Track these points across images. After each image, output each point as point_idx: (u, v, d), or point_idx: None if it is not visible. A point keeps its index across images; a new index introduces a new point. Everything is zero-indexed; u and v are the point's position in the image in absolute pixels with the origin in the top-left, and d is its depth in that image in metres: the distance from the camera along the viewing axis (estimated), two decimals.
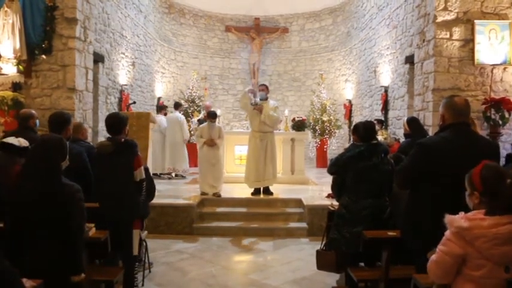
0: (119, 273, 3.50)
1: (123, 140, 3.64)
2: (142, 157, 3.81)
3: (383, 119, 9.46)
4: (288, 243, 5.77)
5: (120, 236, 3.51)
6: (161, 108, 10.04)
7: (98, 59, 8.00)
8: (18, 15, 6.10)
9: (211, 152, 7.06)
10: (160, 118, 9.61)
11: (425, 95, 6.59)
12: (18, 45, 6.11)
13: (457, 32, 6.25)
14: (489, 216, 1.97)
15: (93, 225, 3.12)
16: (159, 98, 12.58)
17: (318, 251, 4.11)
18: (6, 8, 6.09)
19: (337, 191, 4.07)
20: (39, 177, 2.44)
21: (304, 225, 6.27)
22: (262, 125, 7.03)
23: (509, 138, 6.31)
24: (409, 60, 8.00)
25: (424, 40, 6.70)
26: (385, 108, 9.69)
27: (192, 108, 12.34)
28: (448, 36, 6.26)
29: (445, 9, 6.25)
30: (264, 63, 14.88)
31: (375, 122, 6.68)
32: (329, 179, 4.45)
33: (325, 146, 12.34)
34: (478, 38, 6.19)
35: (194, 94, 12.89)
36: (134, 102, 9.59)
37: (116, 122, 3.69)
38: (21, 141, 3.13)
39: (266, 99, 7.13)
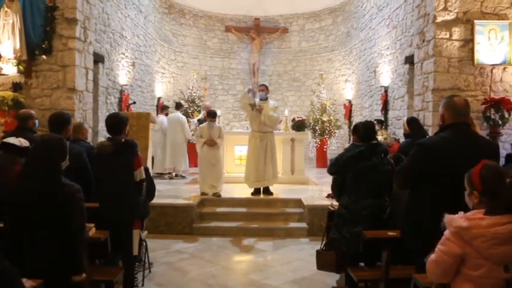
0: (119, 273, 3.50)
1: (123, 140, 3.64)
2: (142, 157, 3.81)
3: (383, 119, 9.46)
4: (288, 243, 5.77)
5: (120, 236, 3.51)
6: (163, 108, 10.09)
7: (98, 59, 8.00)
8: (18, 16, 6.10)
9: (211, 152, 7.06)
10: (162, 118, 9.65)
11: (425, 95, 6.59)
12: (18, 46, 6.12)
13: (457, 32, 6.26)
14: (488, 216, 1.97)
15: (93, 225, 3.13)
16: (159, 98, 12.59)
17: (318, 251, 4.11)
18: (6, 8, 6.10)
19: (337, 191, 4.07)
20: (39, 177, 2.44)
21: (304, 225, 6.27)
22: (262, 125, 7.04)
23: (509, 138, 6.31)
24: (409, 60, 8.00)
25: (423, 40, 6.70)
26: (385, 108, 9.69)
27: (192, 109, 12.35)
28: (447, 36, 6.27)
29: (445, 9, 6.26)
30: (264, 63, 14.89)
31: (375, 122, 6.68)
32: (329, 179, 4.45)
33: (325, 146, 12.34)
34: (478, 38, 6.19)
35: (194, 94, 12.92)
36: (134, 103, 9.60)
37: (116, 122, 3.69)
38: (22, 141, 3.14)
39: (266, 99, 7.13)
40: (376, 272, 3.45)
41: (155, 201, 4.91)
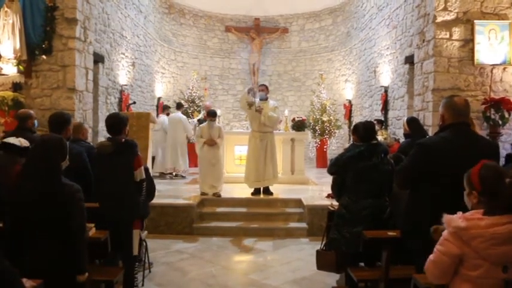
0: (119, 273, 3.50)
1: (123, 140, 3.64)
2: (142, 157, 3.81)
3: (383, 119, 9.46)
4: (288, 243, 5.77)
5: (120, 236, 3.51)
6: (164, 108, 10.13)
7: (98, 59, 8.00)
8: (18, 16, 6.11)
9: (211, 152, 7.06)
10: (163, 118, 9.67)
11: (425, 95, 6.59)
12: (18, 46, 6.12)
13: (457, 32, 6.26)
14: (487, 216, 1.96)
15: (93, 225, 3.13)
16: (159, 98, 12.59)
17: (318, 251, 4.11)
18: (6, 8, 6.10)
19: (337, 191, 4.07)
20: (39, 177, 2.44)
21: (304, 225, 6.27)
22: (262, 125, 7.04)
23: (509, 138, 6.31)
24: (409, 60, 8.00)
25: (423, 40, 6.70)
26: (385, 108, 9.69)
27: (192, 109, 12.36)
28: (447, 36, 6.27)
29: (445, 9, 6.26)
30: (264, 63, 14.89)
31: (375, 122, 6.68)
32: (329, 179, 4.45)
33: (325, 146, 12.34)
34: (478, 38, 6.20)
35: (194, 94, 12.92)
36: (134, 103, 9.61)
37: (116, 122, 3.69)
38: (22, 141, 3.14)
39: (266, 99, 7.13)
40: (376, 272, 3.45)
41: (155, 201, 4.91)
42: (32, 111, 4.67)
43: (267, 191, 7.18)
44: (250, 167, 7.13)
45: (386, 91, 9.67)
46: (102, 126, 8.09)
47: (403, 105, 8.67)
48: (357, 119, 11.81)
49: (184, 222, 6.21)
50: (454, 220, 1.99)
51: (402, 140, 6.20)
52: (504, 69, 6.29)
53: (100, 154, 3.66)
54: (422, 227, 2.59)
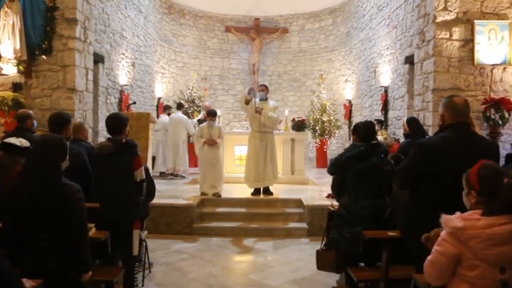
0: (119, 273, 3.50)
1: (123, 140, 3.64)
2: (142, 157, 3.80)
3: (383, 119, 9.46)
4: (288, 244, 5.77)
5: (120, 236, 3.51)
6: (166, 108, 10.16)
7: (98, 59, 8.00)
8: (18, 16, 6.11)
9: (211, 152, 7.06)
10: (165, 118, 9.69)
11: (425, 95, 6.59)
12: (18, 46, 6.13)
13: (457, 32, 6.26)
14: (485, 217, 1.95)
15: (93, 225, 3.13)
16: (159, 99, 12.60)
17: (318, 251, 4.11)
18: (6, 9, 6.10)
19: (337, 191, 4.07)
20: (39, 177, 2.44)
21: (304, 225, 6.27)
22: (262, 125, 7.04)
23: (509, 138, 6.32)
24: (409, 60, 8.00)
25: (423, 40, 6.70)
26: (385, 108, 9.69)
27: (192, 109, 12.37)
28: (447, 36, 6.27)
29: (445, 9, 6.26)
30: (264, 63, 14.89)
31: (375, 122, 6.68)
32: (329, 179, 4.45)
33: (325, 146, 12.35)
34: (478, 38, 6.20)
35: (194, 94, 12.93)
36: (134, 103, 9.62)
37: (116, 123, 3.69)
38: (23, 142, 3.14)
39: (266, 99, 7.13)
40: (376, 272, 3.45)
41: (155, 201, 4.91)
42: (31, 112, 4.67)
43: (267, 191, 7.18)
44: (250, 167, 7.13)
45: (386, 91, 9.67)
46: (102, 126, 8.09)
47: (403, 105, 8.67)
48: (357, 119, 11.81)
49: (184, 223, 6.21)
50: (452, 220, 1.98)
51: (402, 140, 6.20)
52: (504, 69, 6.29)
53: (100, 154, 3.65)
54: (422, 227, 2.59)
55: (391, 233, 3.21)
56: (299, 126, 9.65)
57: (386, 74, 9.68)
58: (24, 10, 6.18)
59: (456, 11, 6.25)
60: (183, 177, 9.50)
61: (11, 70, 6.20)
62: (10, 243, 2.45)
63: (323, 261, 4.00)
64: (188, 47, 14.27)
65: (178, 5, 13.74)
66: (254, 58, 14.68)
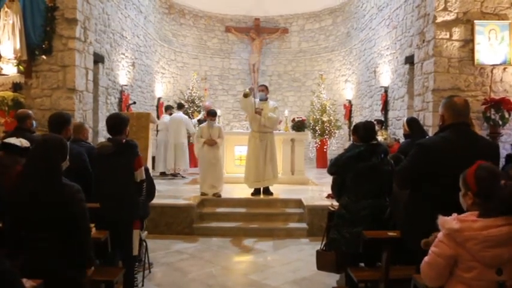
0: (119, 273, 3.50)
1: (123, 140, 3.64)
2: (142, 157, 3.80)
3: (383, 119, 9.46)
4: (288, 244, 5.77)
5: (120, 236, 3.51)
6: (167, 108, 10.19)
7: (98, 59, 8.00)
8: (18, 16, 6.11)
9: (211, 152, 7.06)
10: (167, 118, 9.72)
11: (425, 95, 6.59)
12: (18, 46, 6.13)
13: (457, 33, 6.26)
14: (481, 218, 1.95)
15: (93, 225, 3.12)
16: (159, 99, 12.60)
17: (318, 251, 4.11)
18: (6, 9, 6.10)
19: (337, 191, 4.07)
20: (39, 177, 2.44)
21: (304, 225, 6.27)
22: (262, 125, 7.04)
23: (509, 138, 6.31)
24: (409, 60, 8.00)
25: (424, 40, 6.70)
26: (385, 108, 9.69)
27: (192, 109, 12.38)
28: (447, 36, 6.27)
29: (445, 9, 6.26)
30: (264, 63, 14.89)
31: (375, 122, 6.68)
32: (329, 179, 4.45)
33: (325, 147, 12.35)
34: (478, 38, 6.20)
35: (194, 94, 12.95)
36: (134, 103, 9.62)
37: (117, 123, 3.68)
38: (23, 142, 3.14)
39: (266, 99, 7.13)
40: (376, 272, 3.45)
41: (155, 201, 4.91)
42: (30, 112, 4.67)
43: (267, 191, 7.18)
44: (250, 167, 7.13)
45: (386, 91, 9.67)
46: (102, 126, 8.09)
47: (403, 106, 8.67)
48: (357, 119, 11.81)
49: (184, 223, 6.21)
50: (448, 222, 1.98)
51: (402, 140, 6.20)
52: (504, 69, 6.29)
53: (100, 154, 3.65)
54: (423, 228, 2.59)
55: (391, 233, 3.21)
56: (299, 126, 9.65)
57: (387, 74, 9.68)
58: (24, 10, 6.18)
59: (456, 11, 6.25)
60: (183, 177, 9.51)
61: (11, 70, 6.20)
62: (10, 243, 2.45)
63: (323, 262, 4.00)
64: (188, 47, 14.27)
65: (178, 5, 13.74)
66: (254, 58, 14.68)
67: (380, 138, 7.47)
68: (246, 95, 6.84)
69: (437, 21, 6.26)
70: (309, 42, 14.79)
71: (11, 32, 6.09)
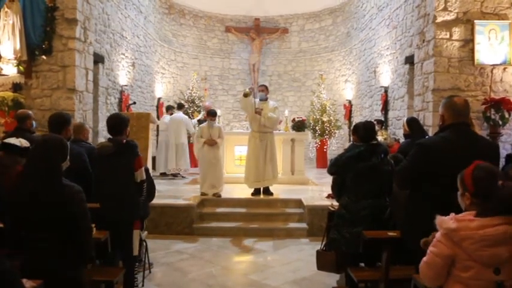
0: (119, 273, 3.50)
1: (124, 141, 3.64)
2: (142, 158, 3.80)
3: (383, 119, 9.46)
4: (288, 244, 5.77)
5: (120, 236, 3.51)
6: (168, 108, 10.22)
7: (98, 59, 8.00)
8: (18, 16, 6.11)
9: (211, 152, 7.06)
10: (168, 118, 9.73)
11: (425, 95, 6.59)
12: (18, 46, 6.12)
13: (457, 32, 6.26)
14: (478, 218, 1.95)
15: (93, 225, 3.12)
16: (159, 99, 12.60)
17: (318, 251, 4.11)
18: (6, 9, 6.10)
19: (337, 191, 4.07)
20: (39, 177, 2.44)
21: (304, 225, 6.27)
22: (262, 125, 7.04)
23: (509, 138, 6.31)
24: (409, 60, 8.00)
25: (424, 40, 6.70)
26: (385, 108, 9.69)
27: (192, 109, 12.38)
28: (447, 36, 6.27)
29: (445, 9, 6.26)
30: (264, 63, 14.89)
31: (375, 122, 6.68)
32: (329, 179, 4.45)
33: (325, 147, 12.35)
34: (478, 38, 6.19)
35: (194, 95, 12.95)
36: (134, 103, 9.62)
37: (117, 123, 3.69)
38: (23, 142, 3.15)
39: (266, 99, 7.13)
40: (376, 272, 3.45)
41: (155, 201, 4.91)
42: (30, 112, 4.67)
43: (267, 191, 7.18)
44: (250, 167, 7.13)
45: (386, 91, 9.67)
46: (102, 126, 8.09)
47: (403, 106, 8.67)
48: (357, 119, 11.81)
49: (184, 223, 6.21)
50: (445, 221, 1.98)
51: (402, 140, 6.20)
52: (504, 69, 6.29)
53: (100, 155, 3.65)
54: (422, 227, 2.59)
55: (391, 233, 3.21)
56: (299, 126, 9.65)
57: (387, 74, 9.68)
58: (24, 10, 6.18)
59: (456, 11, 6.25)
60: (183, 177, 9.52)
61: (11, 70, 6.20)
62: (10, 243, 2.45)
63: (323, 262, 4.00)
64: (188, 47, 14.27)
65: (178, 5, 13.74)
66: (254, 58, 14.68)
67: (380, 138, 7.47)
68: (246, 95, 6.84)
69: (437, 21, 6.26)
70: (309, 42, 14.79)
71: (11, 32, 6.09)
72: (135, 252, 3.72)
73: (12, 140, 3.17)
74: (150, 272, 4.54)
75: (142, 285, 4.17)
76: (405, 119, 5.69)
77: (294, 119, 9.89)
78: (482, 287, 1.94)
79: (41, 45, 6.25)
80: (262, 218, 6.54)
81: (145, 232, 4.53)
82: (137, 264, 4.00)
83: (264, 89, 7.24)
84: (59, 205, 2.43)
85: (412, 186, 2.81)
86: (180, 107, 10.04)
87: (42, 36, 6.25)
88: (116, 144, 3.60)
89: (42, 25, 6.25)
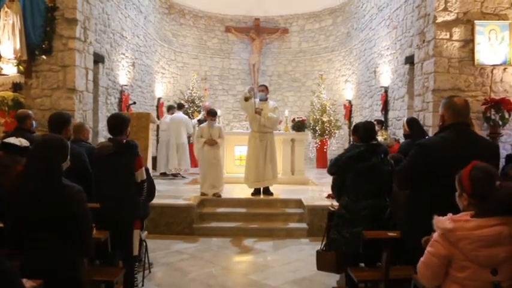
0: (119, 273, 3.50)
1: (124, 141, 3.64)
2: (142, 158, 3.80)
3: (383, 119, 9.46)
4: (288, 244, 5.77)
5: (120, 236, 3.51)
6: (169, 108, 10.24)
7: (98, 59, 8.00)
8: (18, 16, 6.11)
9: (211, 152, 7.06)
10: (169, 118, 9.74)
11: (425, 95, 6.59)
12: (18, 46, 6.12)
13: (457, 33, 6.26)
14: (475, 218, 1.95)
15: (93, 225, 3.12)
16: (159, 99, 12.60)
17: (318, 252, 4.11)
18: (6, 9, 6.10)
19: (337, 191, 4.07)
20: (39, 177, 2.44)
21: (304, 225, 6.27)
22: (261, 126, 7.04)
23: (509, 138, 6.31)
24: (409, 60, 8.00)
25: (424, 41, 6.70)
26: (385, 108, 9.69)
27: (192, 109, 12.39)
28: (448, 36, 6.27)
29: (445, 9, 6.26)
30: (264, 63, 14.89)
31: (375, 122, 6.68)
32: (329, 179, 4.45)
33: (325, 147, 12.35)
34: (478, 38, 6.19)
35: (194, 95, 12.96)
36: (134, 103, 9.62)
37: (117, 123, 3.69)
38: (22, 141, 3.14)
39: (266, 100, 7.13)
40: (376, 272, 3.45)
41: (155, 201, 4.91)
42: (30, 112, 4.67)
43: (267, 191, 7.18)
44: (249, 167, 7.13)
45: (386, 91, 9.67)
46: (102, 126, 8.09)
47: (403, 106, 8.67)
48: (357, 119, 11.81)
49: (184, 223, 6.21)
50: (442, 221, 1.99)
51: (402, 140, 6.20)
52: (504, 69, 6.29)
53: (101, 155, 3.65)
54: (422, 227, 2.59)
55: (391, 233, 3.21)
56: (299, 126, 9.65)
57: (387, 75, 9.68)
58: (24, 10, 6.17)
59: (456, 11, 6.25)
60: (183, 177, 9.52)
61: (11, 70, 6.20)
62: (10, 243, 2.45)
63: (323, 262, 4.00)
64: (188, 47, 14.27)
65: (178, 5, 13.74)
66: (254, 58, 14.68)
67: (380, 138, 7.46)
68: (247, 99, 6.85)
69: (437, 21, 6.26)
70: (309, 42, 14.79)
71: (11, 32, 6.09)
72: (135, 252, 3.72)
73: (12, 140, 3.17)
74: (150, 272, 4.54)
75: (142, 285, 4.17)
76: (405, 119, 5.69)
77: (294, 119, 9.89)
78: None
79: (41, 45, 6.24)
80: (262, 218, 6.54)
81: (145, 232, 4.53)
82: (137, 264, 4.00)
83: (264, 89, 7.24)
84: (59, 205, 2.43)
85: (412, 186, 2.81)
86: (180, 107, 10.06)
87: (42, 36, 6.25)
88: (116, 144, 3.60)
89: (42, 25, 6.24)
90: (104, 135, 7.88)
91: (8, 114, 5.96)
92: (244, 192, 7.27)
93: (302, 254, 5.33)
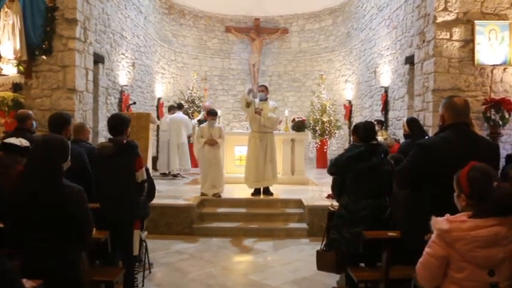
0: (119, 273, 3.50)
1: (124, 141, 3.64)
2: (142, 158, 3.80)
3: (383, 119, 9.46)
4: (288, 244, 5.77)
5: (120, 237, 3.51)
6: (170, 108, 10.26)
7: (98, 59, 8.00)
8: (18, 16, 6.11)
9: (211, 152, 7.06)
10: (170, 118, 9.76)
11: (425, 95, 6.59)
12: (18, 46, 6.12)
13: (457, 33, 6.26)
14: (472, 219, 1.94)
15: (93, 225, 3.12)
16: (159, 99, 12.60)
17: (318, 252, 4.11)
18: (6, 9, 6.10)
19: (337, 191, 4.07)
20: (39, 177, 2.44)
21: (304, 225, 6.27)
22: (261, 126, 7.04)
23: (509, 138, 6.31)
24: (409, 60, 8.00)
25: (424, 41, 6.70)
26: (385, 108, 9.69)
27: (192, 109, 12.39)
28: (448, 36, 6.27)
29: (445, 9, 6.26)
30: (264, 63, 14.89)
31: (375, 122, 6.68)
32: (329, 179, 4.45)
33: (325, 147, 12.35)
34: (478, 38, 6.19)
35: (194, 95, 12.96)
36: (134, 103, 9.62)
37: (118, 123, 3.69)
38: (23, 142, 3.15)
39: (266, 100, 7.13)
40: (376, 272, 3.45)
41: (155, 201, 4.90)
42: (30, 112, 4.67)
43: (267, 191, 7.18)
44: (249, 168, 7.13)
45: (386, 91, 9.67)
46: (102, 126, 8.09)
47: (403, 106, 8.67)
48: (357, 119, 11.81)
49: (184, 223, 6.21)
50: (439, 222, 1.98)
51: (402, 140, 6.20)
52: (504, 69, 6.29)
53: (101, 155, 3.65)
54: (422, 227, 2.59)
55: (391, 233, 3.21)
56: (299, 126, 9.65)
57: (387, 75, 9.68)
58: (24, 10, 6.17)
59: (456, 11, 6.25)
60: (183, 177, 9.53)
61: (11, 70, 6.20)
62: (10, 243, 2.45)
63: (323, 262, 4.00)
64: (188, 47, 14.27)
65: (178, 5, 13.74)
66: (254, 58, 14.68)
67: (380, 138, 7.46)
68: (248, 105, 6.86)
69: (437, 21, 6.26)
70: (309, 42, 14.79)
71: (11, 32, 6.09)
72: (135, 252, 3.73)
73: (13, 140, 3.17)
74: (150, 272, 4.54)
75: (142, 285, 4.17)
76: (405, 119, 5.69)
77: (294, 119, 9.89)
78: None
79: (41, 45, 6.25)
80: (262, 218, 6.54)
81: (145, 232, 4.53)
82: (137, 264, 4.00)
83: (264, 89, 7.24)
84: (59, 205, 2.43)
85: (412, 186, 2.81)
86: (180, 107, 10.09)
87: (42, 36, 6.25)
88: (116, 145, 3.60)
89: (42, 25, 6.24)
90: (104, 136, 7.88)
91: (8, 114, 5.96)
92: (244, 192, 7.27)
93: (302, 254, 5.33)
